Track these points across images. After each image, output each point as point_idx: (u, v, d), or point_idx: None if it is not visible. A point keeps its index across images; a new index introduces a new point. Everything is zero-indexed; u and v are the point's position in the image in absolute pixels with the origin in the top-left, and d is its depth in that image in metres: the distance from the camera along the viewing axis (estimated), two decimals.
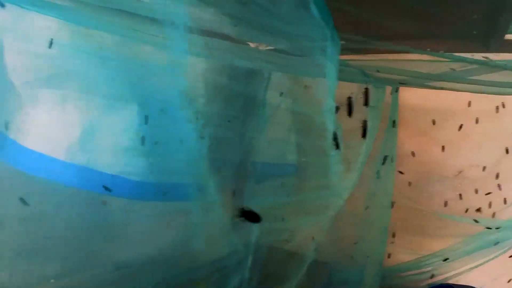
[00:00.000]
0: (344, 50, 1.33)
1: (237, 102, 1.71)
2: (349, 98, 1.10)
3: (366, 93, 1.22)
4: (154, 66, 1.49)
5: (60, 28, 1.28)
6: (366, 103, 1.20)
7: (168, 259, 1.89)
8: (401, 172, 1.85)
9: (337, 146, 0.94)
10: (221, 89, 1.68)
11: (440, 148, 1.84)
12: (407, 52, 1.35)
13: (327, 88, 1.01)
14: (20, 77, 1.35)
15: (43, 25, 1.28)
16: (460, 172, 1.84)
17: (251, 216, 0.95)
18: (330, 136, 0.92)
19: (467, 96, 1.66)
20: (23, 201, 1.31)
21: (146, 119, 1.41)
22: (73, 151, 1.39)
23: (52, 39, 1.22)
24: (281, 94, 1.65)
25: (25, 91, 1.36)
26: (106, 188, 1.38)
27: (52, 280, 1.65)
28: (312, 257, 1.19)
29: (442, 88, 1.42)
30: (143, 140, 1.40)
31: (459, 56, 1.30)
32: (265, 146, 1.74)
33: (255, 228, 0.91)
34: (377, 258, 1.73)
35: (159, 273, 1.88)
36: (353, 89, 1.28)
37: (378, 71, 1.28)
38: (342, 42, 1.47)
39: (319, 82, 1.11)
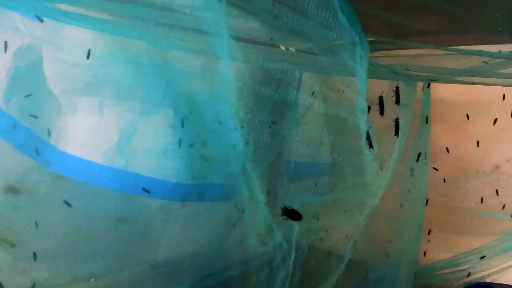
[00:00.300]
0: (373, 47, 1.34)
1: (268, 104, 1.73)
2: (381, 97, 1.10)
3: (397, 91, 1.21)
4: (185, 71, 1.54)
5: (96, 38, 1.33)
6: (397, 102, 1.20)
7: (204, 258, 1.94)
8: (435, 169, 1.82)
9: (370, 145, 0.94)
10: (254, 92, 1.71)
11: (475, 143, 1.79)
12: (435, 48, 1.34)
13: (358, 89, 1.01)
14: (58, 86, 1.40)
15: (79, 36, 1.33)
16: (497, 167, 1.80)
17: (293, 215, 0.97)
18: (363, 136, 0.92)
19: (501, 89, 1.62)
20: (67, 203, 1.36)
21: (182, 122, 1.45)
22: (111, 155, 1.44)
23: (89, 50, 1.25)
24: (313, 94, 1.66)
25: (63, 99, 1.41)
26: (145, 190, 1.42)
27: (92, 279, 1.71)
28: (349, 256, 1.20)
29: (473, 83, 1.40)
30: (180, 142, 1.44)
31: (487, 51, 1.26)
32: (298, 146, 1.76)
33: (295, 226, 0.93)
34: (411, 256, 1.71)
35: (195, 270, 1.93)
36: (384, 88, 1.28)
37: (407, 70, 1.27)
38: (371, 39, 1.48)
39: (350, 82, 1.12)
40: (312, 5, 0.79)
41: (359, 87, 0.94)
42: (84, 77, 1.39)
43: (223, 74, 1.30)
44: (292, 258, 0.97)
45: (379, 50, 1.45)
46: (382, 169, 1.15)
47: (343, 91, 1.11)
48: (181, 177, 1.50)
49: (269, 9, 0.83)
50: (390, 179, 1.27)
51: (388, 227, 1.67)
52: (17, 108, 1.34)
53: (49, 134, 1.42)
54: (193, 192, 1.53)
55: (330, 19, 0.80)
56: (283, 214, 0.95)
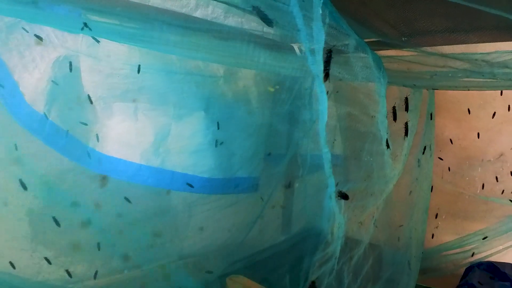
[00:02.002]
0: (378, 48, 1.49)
1: (284, 104, 1.86)
2: (394, 107, 1.28)
3: (406, 101, 1.40)
4: (212, 77, 1.67)
5: (131, 49, 1.45)
6: (406, 109, 1.39)
7: (229, 247, 2.07)
8: (440, 158, 1.97)
9: (388, 146, 1.12)
10: (270, 93, 1.85)
11: (476, 135, 1.94)
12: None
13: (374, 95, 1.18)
14: (95, 94, 1.51)
15: (115, 48, 1.45)
16: (501, 155, 1.93)
17: (344, 196, 1.14)
18: (384, 140, 1.10)
19: None
20: (127, 200, 1.51)
21: (218, 124, 1.58)
22: (147, 155, 1.57)
23: (139, 65, 1.37)
24: (327, 93, 1.80)
25: (100, 105, 1.53)
26: (189, 185, 1.55)
27: (125, 271, 1.85)
28: (371, 232, 1.35)
29: (468, 89, 1.55)
30: (216, 142, 1.57)
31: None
32: (313, 141, 1.90)
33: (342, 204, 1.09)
34: (419, 237, 1.85)
35: (221, 260, 2.06)
36: (396, 98, 1.45)
37: (414, 85, 1.45)
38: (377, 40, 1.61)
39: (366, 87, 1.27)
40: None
41: (381, 108, 1.12)
42: (122, 85, 1.51)
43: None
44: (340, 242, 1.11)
45: (382, 49, 1.59)
46: (395, 163, 1.33)
47: (357, 88, 1.28)
48: (212, 173, 1.62)
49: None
50: (401, 170, 1.42)
51: (399, 213, 1.81)
52: (57, 115, 1.44)
53: (93, 138, 1.53)
54: (223, 185, 1.65)
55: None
56: (338, 196, 1.13)
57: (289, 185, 1.82)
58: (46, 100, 1.41)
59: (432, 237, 1.97)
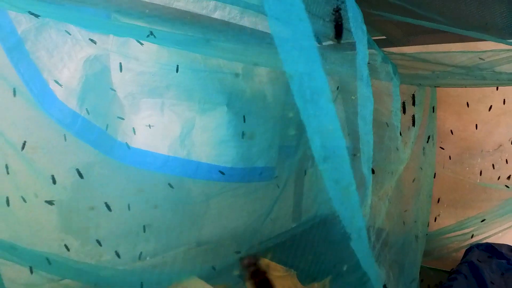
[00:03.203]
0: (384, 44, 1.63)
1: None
2: (403, 102, 1.47)
3: (413, 97, 1.61)
4: (232, 74, 1.78)
5: (160, 48, 1.55)
6: (413, 104, 1.59)
7: (244, 234, 2.20)
8: (442, 148, 2.12)
9: (400, 134, 1.30)
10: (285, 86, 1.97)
11: (475, 126, 2.10)
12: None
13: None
14: (124, 90, 1.60)
15: (145, 47, 1.52)
16: (499, 146, 2.08)
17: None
18: (398, 130, 1.28)
19: None
20: (170, 185, 1.63)
21: (244, 118, 1.71)
22: (174, 147, 1.67)
23: (177, 65, 1.50)
24: (337, 88, 1.95)
25: (128, 101, 1.62)
26: (221, 172, 1.67)
27: (147, 258, 1.96)
28: (386, 206, 1.51)
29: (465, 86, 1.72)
30: (243, 134, 1.70)
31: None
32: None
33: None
34: (424, 221, 2.00)
35: (236, 247, 2.19)
36: (404, 94, 1.63)
37: (420, 84, 1.64)
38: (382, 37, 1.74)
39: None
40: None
41: (395, 103, 1.29)
42: (151, 82, 1.61)
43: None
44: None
45: (388, 46, 1.73)
46: (405, 148, 1.51)
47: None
48: (234, 163, 1.74)
49: None
50: (410, 154, 1.60)
51: (404, 199, 1.96)
52: (88, 110, 1.53)
53: (122, 132, 1.62)
54: (244, 174, 1.77)
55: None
56: None
57: (305, 173, 1.97)
58: (78, 97, 1.50)
59: (435, 220, 2.12)
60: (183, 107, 1.70)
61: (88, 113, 1.53)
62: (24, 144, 1.33)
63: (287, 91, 1.99)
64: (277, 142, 1.91)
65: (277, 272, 1.73)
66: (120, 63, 1.58)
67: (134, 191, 1.61)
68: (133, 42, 1.50)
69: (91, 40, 1.51)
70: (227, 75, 1.77)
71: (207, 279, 1.71)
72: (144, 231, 1.61)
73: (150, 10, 1.32)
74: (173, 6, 1.42)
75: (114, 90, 1.60)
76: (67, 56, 1.50)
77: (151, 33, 1.07)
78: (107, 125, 1.59)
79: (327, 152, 0.81)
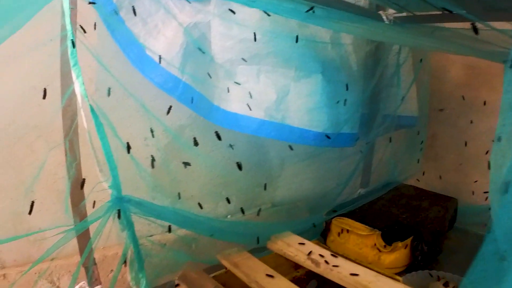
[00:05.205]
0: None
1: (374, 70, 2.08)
2: None
3: None
4: (322, 43, 1.86)
5: (262, 18, 1.63)
6: None
7: (314, 198, 2.33)
8: None
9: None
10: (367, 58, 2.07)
11: None
12: None
13: None
14: (223, 57, 1.69)
15: (248, 16, 1.63)
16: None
17: None
18: None
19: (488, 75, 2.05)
20: (231, 146, 1.78)
21: (346, 86, 1.82)
22: (270, 112, 1.77)
23: (254, 33, 1.59)
24: (421, 60, 2.05)
25: (225, 68, 1.71)
26: (327, 136, 1.78)
27: (228, 216, 2.11)
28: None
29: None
30: (345, 102, 1.81)
31: None
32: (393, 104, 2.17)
33: None
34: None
35: (307, 209, 2.32)
36: None
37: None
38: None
39: None
40: None
41: None
42: (252, 50, 1.69)
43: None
44: None
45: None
46: None
47: None
48: (324, 128, 1.83)
49: None
50: None
51: (475, 170, 2.07)
52: (189, 76, 1.62)
53: (220, 97, 1.74)
54: (333, 140, 1.85)
55: None
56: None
57: (390, 140, 2.08)
58: (179, 63, 1.59)
59: None
60: (278, 74, 1.78)
61: (189, 78, 1.62)
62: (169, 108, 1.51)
63: (368, 61, 2.07)
64: (359, 110, 2.00)
65: (362, 232, 1.84)
66: (221, 31, 1.65)
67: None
68: (235, 9, 1.56)
69: (193, 8, 1.59)
70: (318, 44, 1.84)
71: None
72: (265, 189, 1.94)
73: None
74: None
75: (213, 56, 1.68)
76: (162, 24, 1.58)
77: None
78: (206, 90, 1.70)
79: None
